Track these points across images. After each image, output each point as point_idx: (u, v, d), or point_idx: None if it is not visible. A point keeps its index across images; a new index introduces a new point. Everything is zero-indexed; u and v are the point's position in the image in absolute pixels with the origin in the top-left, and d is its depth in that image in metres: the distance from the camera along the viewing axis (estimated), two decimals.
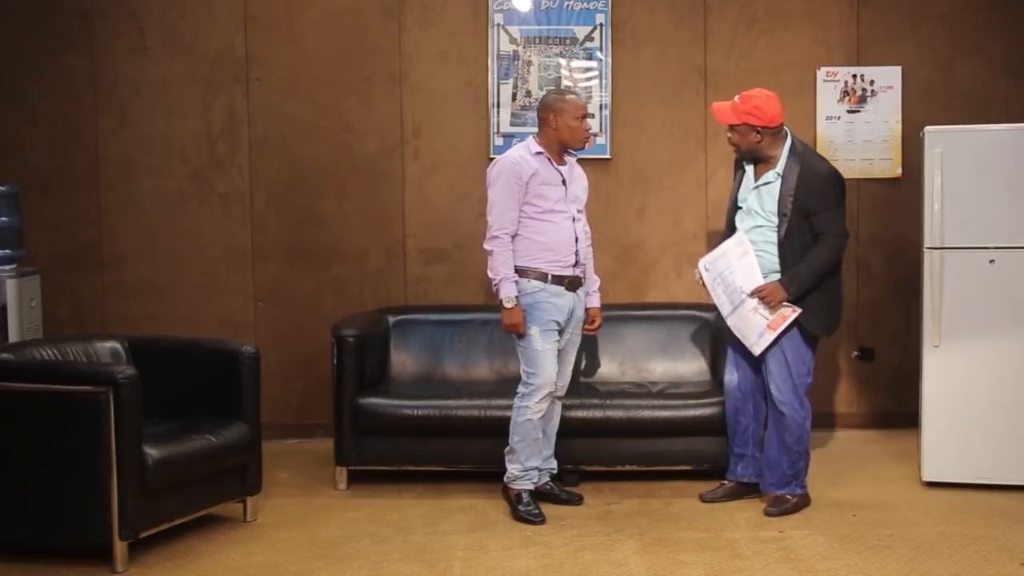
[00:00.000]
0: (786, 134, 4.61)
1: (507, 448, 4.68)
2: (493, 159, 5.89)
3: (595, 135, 5.81)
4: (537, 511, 4.59)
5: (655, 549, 4.23)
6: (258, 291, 6.04)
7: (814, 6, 6.00)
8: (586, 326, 4.83)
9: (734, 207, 4.71)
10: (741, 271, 4.54)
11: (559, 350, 4.68)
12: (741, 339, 4.61)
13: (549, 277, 4.58)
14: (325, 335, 5.33)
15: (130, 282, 6.00)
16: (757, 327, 4.54)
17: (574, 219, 4.64)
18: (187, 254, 6.00)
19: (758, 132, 4.54)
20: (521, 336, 4.58)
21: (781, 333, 4.52)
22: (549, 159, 4.60)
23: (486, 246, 4.60)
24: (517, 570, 4.03)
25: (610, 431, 5.00)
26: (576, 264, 4.64)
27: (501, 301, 4.55)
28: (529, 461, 4.65)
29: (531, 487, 4.67)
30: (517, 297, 4.54)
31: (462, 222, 5.97)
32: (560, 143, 4.62)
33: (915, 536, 4.33)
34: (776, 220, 4.53)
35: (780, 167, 4.54)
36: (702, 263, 4.74)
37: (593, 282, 4.84)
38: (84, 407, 3.98)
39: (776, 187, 4.53)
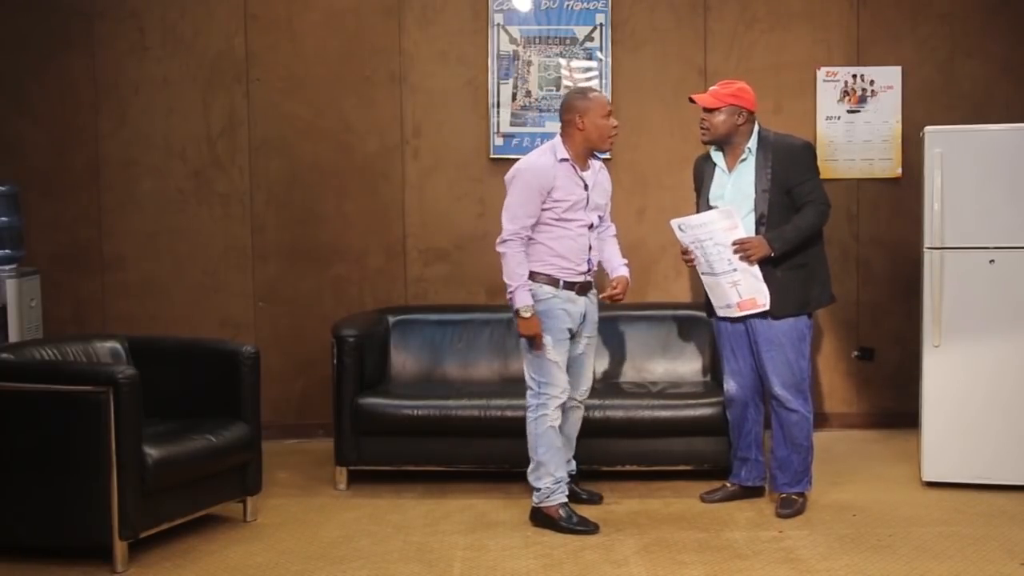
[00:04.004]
0: (755, 123, 4.64)
1: (532, 466, 4.49)
2: (493, 159, 5.93)
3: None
4: (583, 520, 4.44)
5: (655, 549, 4.23)
6: (258, 291, 6.04)
7: (814, 6, 6.00)
8: (611, 286, 4.61)
9: (705, 207, 4.68)
10: (728, 244, 4.46)
11: (579, 354, 4.60)
12: (711, 297, 4.63)
13: (561, 283, 4.47)
14: (325, 335, 5.33)
15: (130, 282, 6.00)
16: (728, 299, 4.55)
17: (591, 226, 4.52)
18: (187, 254, 6.00)
19: (741, 114, 4.56)
20: (535, 346, 4.45)
21: (744, 317, 4.54)
22: (574, 166, 4.46)
23: (498, 248, 4.46)
24: (517, 570, 4.03)
25: (610, 431, 5.00)
26: (588, 271, 4.56)
27: (517, 311, 4.41)
28: (559, 471, 4.48)
29: (564, 499, 4.49)
30: (532, 305, 4.41)
31: (462, 222, 5.98)
32: (587, 144, 4.46)
33: (915, 536, 4.33)
34: (755, 195, 4.51)
35: (752, 143, 4.56)
36: (677, 223, 4.62)
37: (621, 266, 4.67)
38: (84, 407, 3.98)
39: (751, 162, 4.55)
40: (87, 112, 5.95)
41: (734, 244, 4.45)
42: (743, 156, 4.57)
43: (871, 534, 4.36)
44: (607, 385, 5.34)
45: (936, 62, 6.01)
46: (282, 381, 5.92)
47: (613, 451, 5.05)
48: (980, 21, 6.00)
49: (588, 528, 4.43)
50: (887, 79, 5.98)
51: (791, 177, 4.49)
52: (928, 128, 4.91)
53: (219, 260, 6.02)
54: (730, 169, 4.61)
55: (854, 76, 5.98)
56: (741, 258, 4.45)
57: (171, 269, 6.01)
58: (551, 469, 4.47)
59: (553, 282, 4.47)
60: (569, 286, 4.50)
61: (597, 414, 4.97)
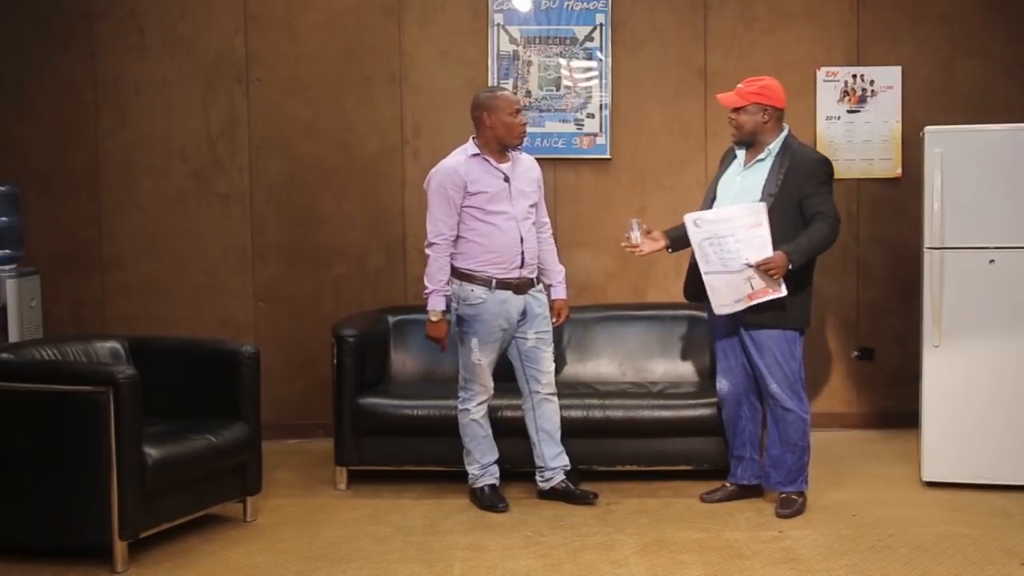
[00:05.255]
0: (784, 127, 4.61)
1: (464, 451, 4.78)
2: None
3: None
4: (499, 500, 4.71)
5: (655, 549, 4.23)
6: (258, 291, 6.04)
7: (814, 6, 6.00)
8: (552, 318, 4.83)
9: (712, 194, 4.69)
10: (750, 242, 4.39)
11: (530, 347, 4.71)
12: (711, 296, 4.51)
13: (494, 283, 4.59)
14: (325, 335, 5.34)
15: (130, 282, 6.00)
16: (738, 293, 4.46)
17: (518, 219, 4.62)
18: (187, 254, 6.01)
19: (766, 112, 4.54)
20: (461, 344, 4.65)
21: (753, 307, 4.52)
22: (487, 159, 4.60)
23: (425, 250, 4.64)
24: (517, 570, 4.03)
25: (610, 431, 5.00)
26: (523, 265, 4.64)
27: (427, 312, 4.59)
28: (485, 458, 4.75)
29: (493, 481, 4.77)
30: (444, 312, 4.59)
31: None
32: (497, 141, 4.61)
33: (915, 536, 4.33)
34: (760, 196, 4.48)
35: (774, 146, 4.54)
36: (692, 218, 4.51)
37: (556, 273, 4.87)
38: (84, 407, 3.98)
39: (767, 165, 4.53)
40: (87, 112, 5.95)
41: (759, 264, 4.37)
42: (761, 156, 4.55)
43: (871, 534, 4.36)
44: (607, 385, 5.34)
45: (936, 62, 6.01)
46: (282, 381, 5.92)
47: (613, 451, 5.04)
48: (980, 21, 6.00)
49: (497, 507, 4.67)
50: (887, 79, 5.98)
51: (803, 188, 4.45)
52: (928, 128, 4.91)
53: (219, 260, 6.02)
54: (746, 164, 4.61)
55: (854, 76, 5.98)
56: (771, 275, 4.36)
57: (171, 269, 6.01)
58: (476, 456, 4.76)
59: (486, 282, 4.58)
60: (503, 285, 4.60)
61: (597, 414, 4.98)
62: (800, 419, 4.59)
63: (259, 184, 6.01)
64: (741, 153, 4.65)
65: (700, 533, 4.40)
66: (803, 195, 4.47)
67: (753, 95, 4.55)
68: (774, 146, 4.54)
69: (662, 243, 4.73)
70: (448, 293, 4.60)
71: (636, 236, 4.65)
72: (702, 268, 4.53)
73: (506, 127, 4.59)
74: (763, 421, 4.77)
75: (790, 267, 4.38)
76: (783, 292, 4.41)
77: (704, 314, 5.49)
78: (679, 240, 4.71)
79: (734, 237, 4.42)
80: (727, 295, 4.51)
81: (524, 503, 4.78)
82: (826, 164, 4.58)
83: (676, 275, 5.99)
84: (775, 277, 4.39)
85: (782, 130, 4.59)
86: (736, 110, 4.58)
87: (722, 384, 4.75)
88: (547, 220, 4.86)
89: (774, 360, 4.54)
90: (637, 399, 5.08)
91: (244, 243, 6.02)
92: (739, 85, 4.64)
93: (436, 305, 4.59)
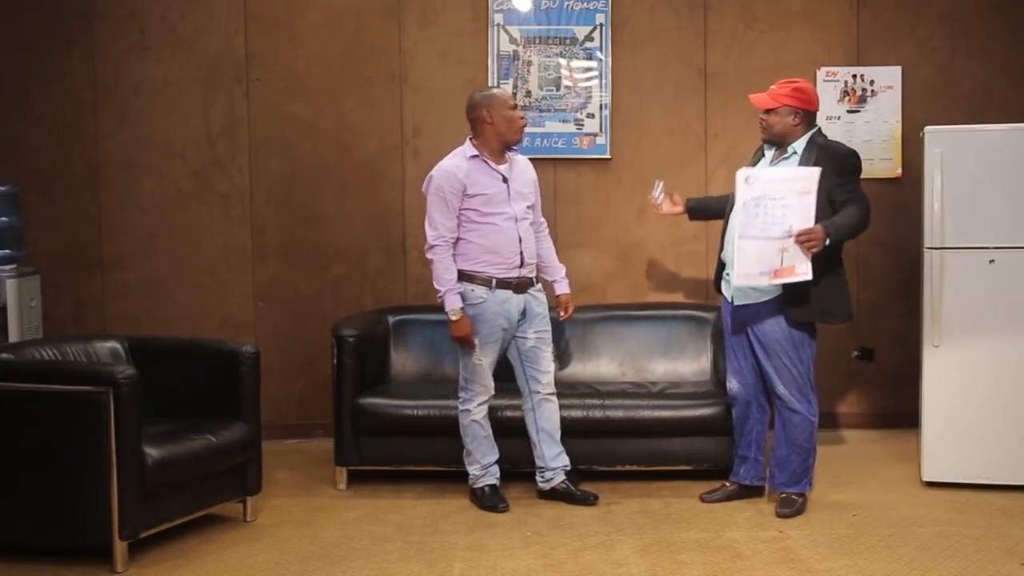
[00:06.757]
0: (816, 127, 4.58)
1: (464, 452, 4.78)
2: None
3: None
4: (499, 500, 4.71)
5: (655, 549, 4.23)
6: (258, 291, 6.04)
7: (814, 6, 6.00)
8: (560, 312, 4.89)
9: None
10: (797, 209, 4.28)
11: (530, 347, 4.72)
12: (737, 262, 4.35)
13: (494, 282, 4.60)
14: (325, 335, 5.34)
15: (130, 282, 6.00)
16: (766, 265, 4.31)
17: (517, 219, 4.63)
18: (187, 254, 6.01)
19: (797, 114, 4.51)
20: (466, 348, 4.63)
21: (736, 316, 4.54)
22: (486, 160, 4.60)
23: (426, 255, 4.63)
24: (517, 570, 4.03)
25: (610, 431, 5.00)
26: (522, 265, 4.65)
27: (447, 314, 4.58)
28: (485, 458, 4.76)
29: (494, 482, 4.77)
30: (462, 308, 4.56)
31: None
32: (499, 137, 4.60)
33: (915, 536, 4.33)
34: None
35: (798, 145, 4.51)
36: (744, 175, 4.33)
37: (558, 270, 4.90)
38: (84, 407, 3.98)
39: (792, 163, 4.50)
40: (87, 112, 5.95)
41: (799, 234, 4.27)
42: (786, 155, 4.54)
43: (871, 534, 4.36)
44: (607, 385, 5.34)
45: (936, 62, 6.01)
46: (282, 381, 5.92)
47: (613, 451, 5.05)
48: (980, 21, 6.00)
49: (497, 507, 4.67)
50: (887, 79, 5.98)
51: (831, 179, 4.39)
52: (928, 128, 4.91)
53: (219, 260, 6.02)
54: (772, 161, 4.59)
55: (854, 76, 5.98)
56: (809, 247, 4.26)
57: (171, 269, 6.01)
58: (477, 456, 4.76)
59: (487, 282, 4.60)
60: (503, 284, 4.61)
61: (597, 414, 4.98)
62: (807, 421, 4.58)
63: (259, 184, 6.01)
64: (770, 152, 4.64)
65: (700, 533, 4.40)
66: (831, 186, 4.40)
67: (785, 97, 4.52)
68: (798, 144, 4.51)
69: (680, 208, 5.00)
70: (461, 290, 4.59)
71: (657, 195, 4.97)
72: (739, 230, 4.35)
73: (507, 121, 4.59)
74: (770, 422, 4.76)
75: (827, 242, 4.31)
76: (808, 275, 4.31)
77: (704, 314, 5.52)
78: (700, 210, 5.03)
79: (782, 201, 4.30)
80: (755, 264, 4.33)
81: (524, 503, 4.78)
82: (854, 156, 4.53)
83: (676, 275, 6.01)
84: (812, 250, 4.28)
85: (809, 131, 4.55)
86: (767, 111, 4.55)
87: (732, 384, 4.75)
88: (543, 220, 4.87)
89: (781, 363, 4.53)
90: (637, 399, 5.08)
91: (244, 243, 6.02)
92: (772, 87, 4.60)
93: (453, 304, 4.56)
